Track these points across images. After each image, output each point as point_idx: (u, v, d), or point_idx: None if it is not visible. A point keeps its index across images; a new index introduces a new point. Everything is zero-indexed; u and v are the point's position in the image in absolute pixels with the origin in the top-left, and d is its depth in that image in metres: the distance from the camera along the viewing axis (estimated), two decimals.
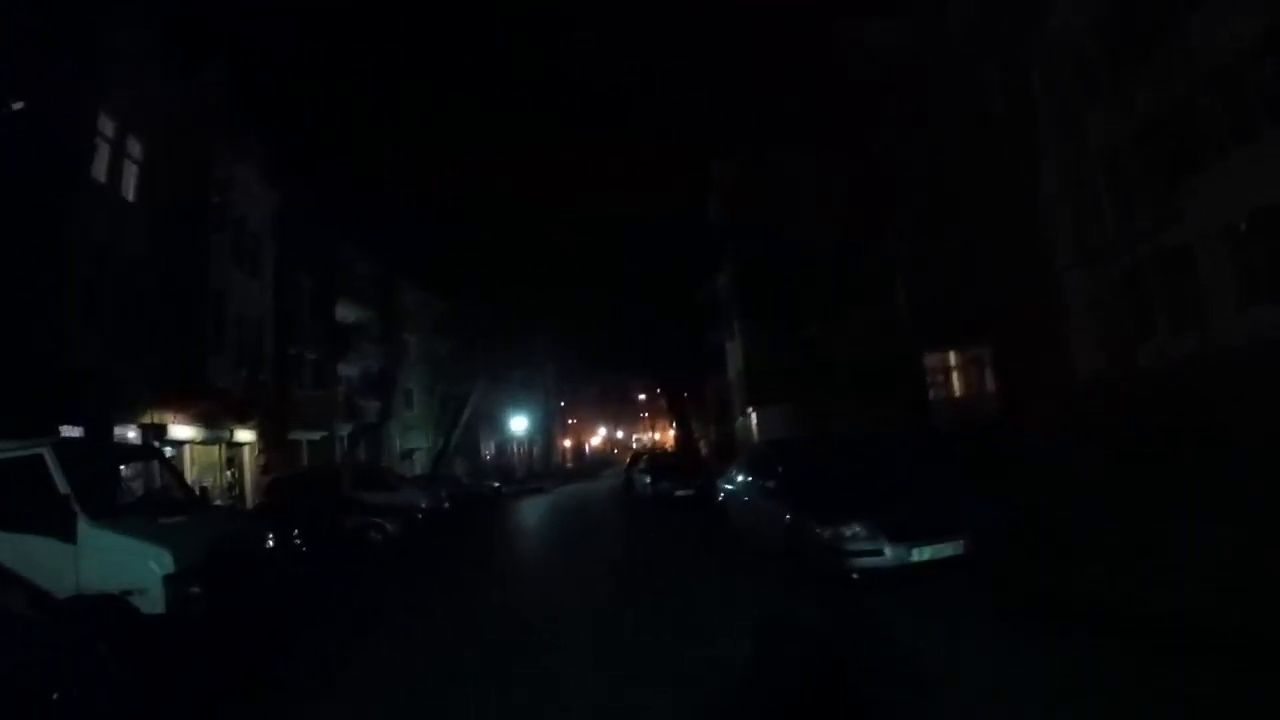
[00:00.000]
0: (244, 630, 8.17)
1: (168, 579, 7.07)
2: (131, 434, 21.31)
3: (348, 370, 39.02)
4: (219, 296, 24.91)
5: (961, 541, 8.22)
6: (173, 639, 7.04)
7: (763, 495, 10.43)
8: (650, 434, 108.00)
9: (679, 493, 22.92)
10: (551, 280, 45.91)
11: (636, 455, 41.72)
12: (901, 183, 27.49)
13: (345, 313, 38.39)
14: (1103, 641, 5.91)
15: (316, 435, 33.19)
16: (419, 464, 43.61)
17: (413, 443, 45.64)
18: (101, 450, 9.80)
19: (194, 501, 9.45)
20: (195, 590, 7.23)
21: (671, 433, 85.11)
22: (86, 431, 19.12)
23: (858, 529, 8.22)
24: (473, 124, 49.17)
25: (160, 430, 21.71)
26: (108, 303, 20.44)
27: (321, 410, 33.80)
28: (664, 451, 45.15)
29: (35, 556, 6.87)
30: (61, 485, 7.43)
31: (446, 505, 23.36)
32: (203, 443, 24.02)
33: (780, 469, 10.41)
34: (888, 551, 8.04)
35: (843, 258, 31.27)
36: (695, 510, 19.73)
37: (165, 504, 9.05)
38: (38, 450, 7.66)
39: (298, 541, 12.95)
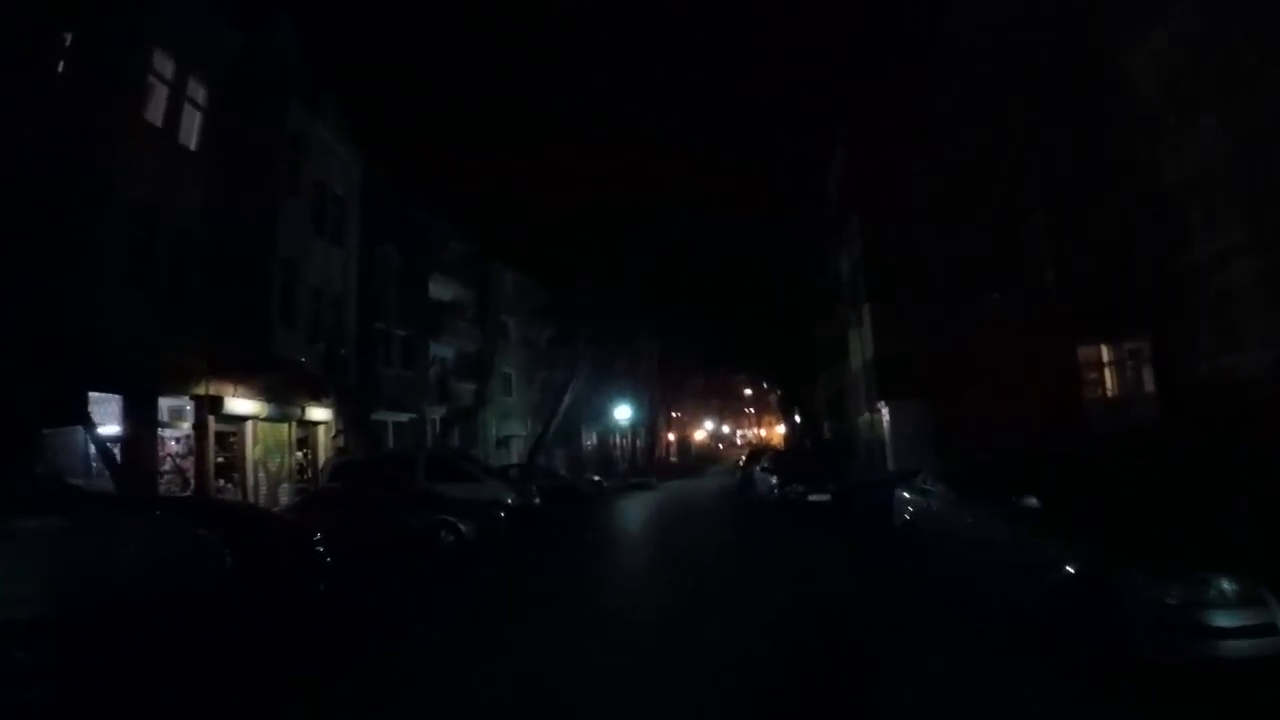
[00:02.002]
0: None
1: None
2: (188, 406, 19.19)
3: (441, 351, 36.65)
4: (291, 263, 22.48)
5: None
6: None
7: (1003, 522, 6.52)
8: (756, 430, 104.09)
9: (812, 498, 19.37)
10: (656, 266, 43.02)
11: (755, 451, 38.01)
12: (1041, 148, 24.53)
13: (439, 290, 36.07)
14: None
15: (404, 417, 30.80)
16: (516, 452, 41.08)
17: (509, 430, 43.12)
18: None
19: (116, 496, 6.27)
20: (20, 657, 4.13)
21: (781, 429, 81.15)
22: (125, 400, 17.01)
23: (1225, 588, 4.60)
24: (571, 102, 46.46)
25: (216, 403, 19.39)
26: (158, 261, 18.22)
27: (410, 391, 31.40)
28: (791, 448, 40.87)
29: None
30: None
31: (537, 502, 20.26)
32: (269, 419, 21.66)
33: (1042, 484, 6.36)
34: None
35: (983, 231, 27.35)
36: (835, 521, 16.31)
37: (52, 497, 5.98)
38: None
39: (320, 549, 9.90)
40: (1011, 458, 7.81)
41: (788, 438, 64.99)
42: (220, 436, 20.31)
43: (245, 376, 20.30)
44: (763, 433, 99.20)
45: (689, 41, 42.83)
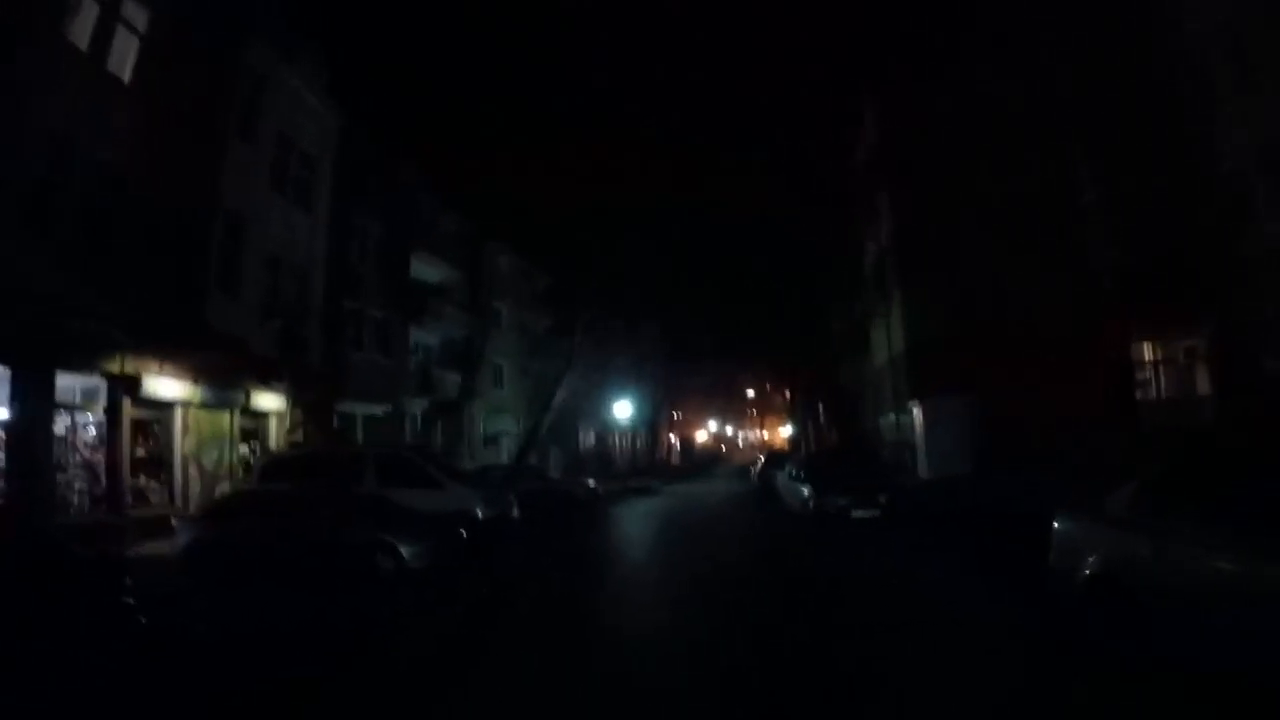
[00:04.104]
0: None
1: None
2: (103, 386, 15.80)
3: (425, 338, 33.27)
4: (238, 219, 19.11)
5: None
6: None
7: None
8: (760, 432, 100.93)
9: (858, 513, 15.88)
10: (663, 254, 39.77)
11: (774, 454, 34.33)
12: (1094, 120, 22.16)
13: (424, 270, 32.66)
14: None
15: (378, 410, 27.37)
16: (506, 451, 37.64)
17: (499, 426, 39.68)
18: None
19: None
20: None
21: (786, 431, 77.63)
22: (15, 375, 13.69)
23: None
24: (574, 85, 43.15)
25: (133, 383, 15.93)
26: (68, 208, 14.90)
27: (386, 380, 27.95)
28: (824, 450, 36.38)
29: None
30: None
31: (515, 513, 16.71)
32: (203, 406, 18.23)
33: None
34: None
35: (1028, 212, 24.46)
36: (904, 550, 12.71)
37: None
38: None
39: (130, 604, 6.46)
40: None
41: (793, 440, 61.53)
42: (141, 424, 16.95)
43: (172, 352, 16.85)
44: (765, 435, 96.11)
45: (696, 15, 39.38)
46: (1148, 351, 24.97)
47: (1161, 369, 24.90)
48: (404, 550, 10.87)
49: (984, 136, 25.27)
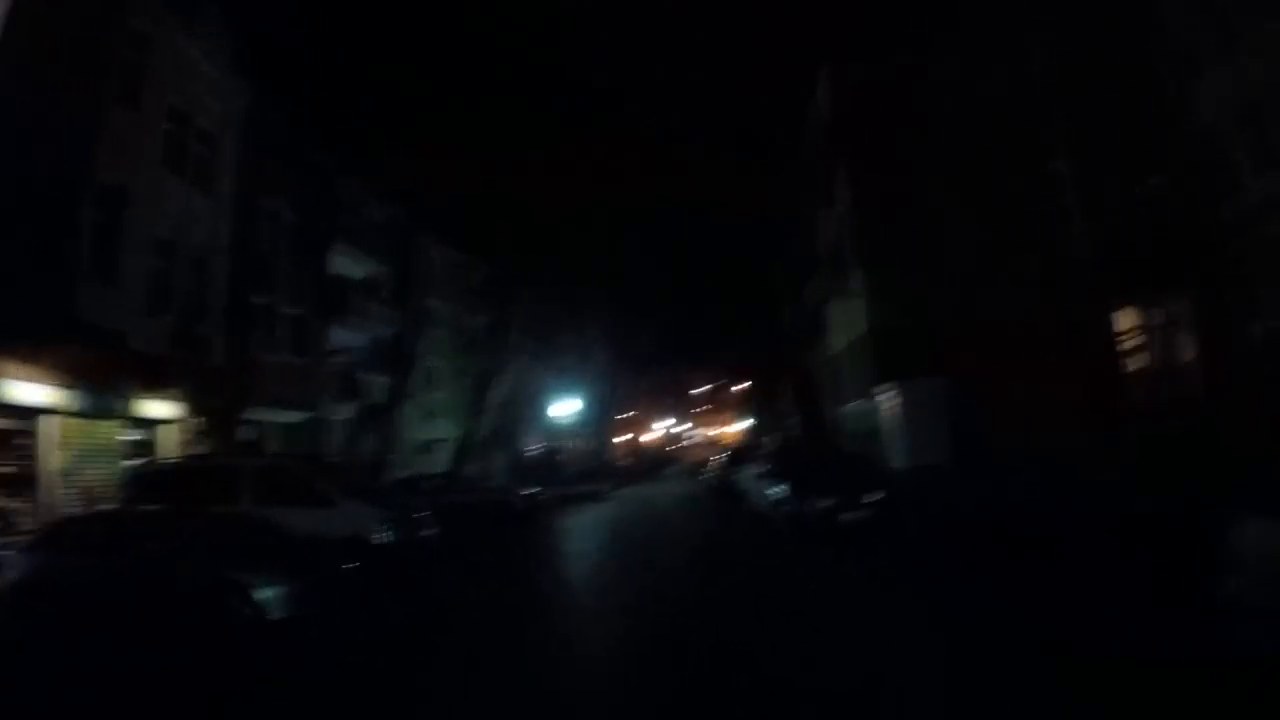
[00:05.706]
0: None
1: None
2: None
3: (351, 338, 30.56)
4: (118, 197, 16.39)
5: None
6: None
7: None
8: (711, 429, 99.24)
9: (846, 516, 13.45)
10: (608, 244, 37.73)
11: (740, 449, 32.12)
12: (1064, 82, 20.84)
13: (348, 264, 29.97)
14: None
15: (296, 417, 24.68)
16: (443, 457, 35.05)
17: (435, 432, 36.98)
18: None
19: None
20: None
21: (738, 427, 76.14)
22: None
23: None
24: (520, 49, 40.77)
25: None
26: None
27: (304, 384, 25.20)
28: (797, 441, 33.48)
29: None
30: None
31: (434, 533, 14.01)
32: (80, 414, 15.50)
33: None
34: None
35: (998, 181, 23.12)
36: (929, 569, 10.22)
37: None
38: None
39: None
40: None
41: (752, 434, 59.81)
42: (1, 435, 14.23)
43: (35, 351, 14.19)
44: (712, 433, 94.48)
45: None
46: (1127, 321, 23.78)
47: (1144, 338, 23.74)
48: (261, 594, 8.28)
49: (949, 105, 23.94)
